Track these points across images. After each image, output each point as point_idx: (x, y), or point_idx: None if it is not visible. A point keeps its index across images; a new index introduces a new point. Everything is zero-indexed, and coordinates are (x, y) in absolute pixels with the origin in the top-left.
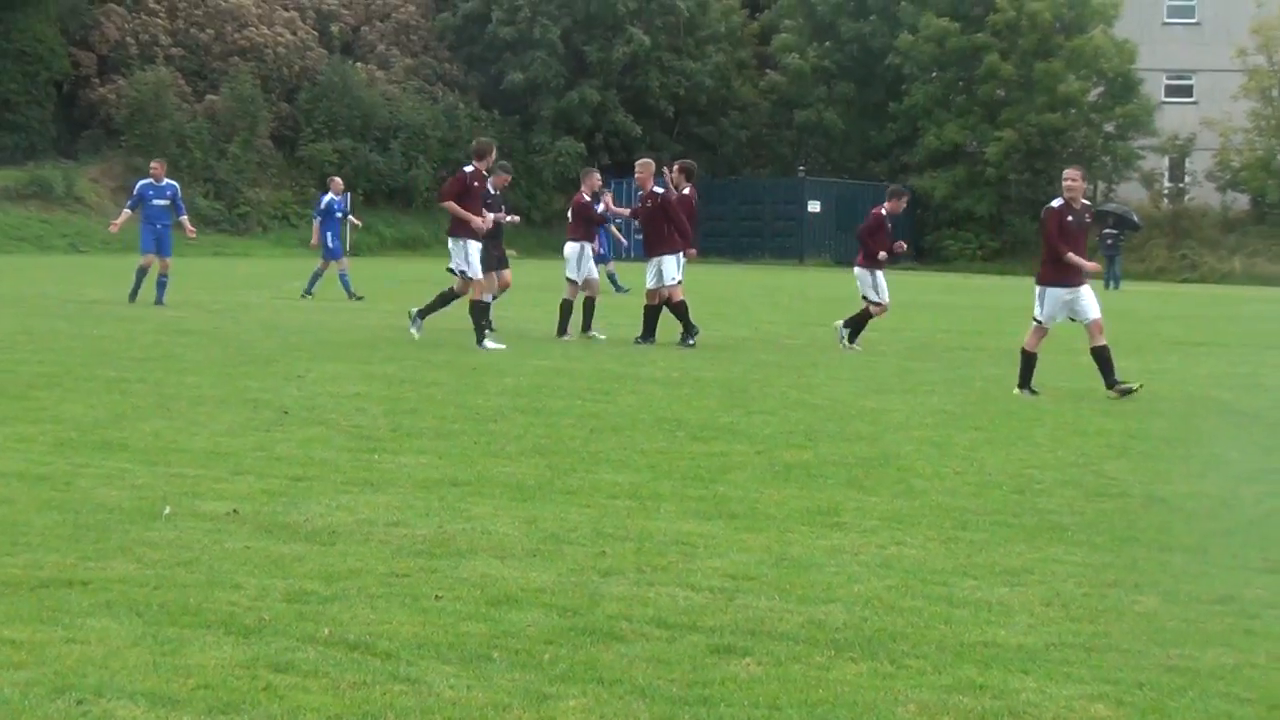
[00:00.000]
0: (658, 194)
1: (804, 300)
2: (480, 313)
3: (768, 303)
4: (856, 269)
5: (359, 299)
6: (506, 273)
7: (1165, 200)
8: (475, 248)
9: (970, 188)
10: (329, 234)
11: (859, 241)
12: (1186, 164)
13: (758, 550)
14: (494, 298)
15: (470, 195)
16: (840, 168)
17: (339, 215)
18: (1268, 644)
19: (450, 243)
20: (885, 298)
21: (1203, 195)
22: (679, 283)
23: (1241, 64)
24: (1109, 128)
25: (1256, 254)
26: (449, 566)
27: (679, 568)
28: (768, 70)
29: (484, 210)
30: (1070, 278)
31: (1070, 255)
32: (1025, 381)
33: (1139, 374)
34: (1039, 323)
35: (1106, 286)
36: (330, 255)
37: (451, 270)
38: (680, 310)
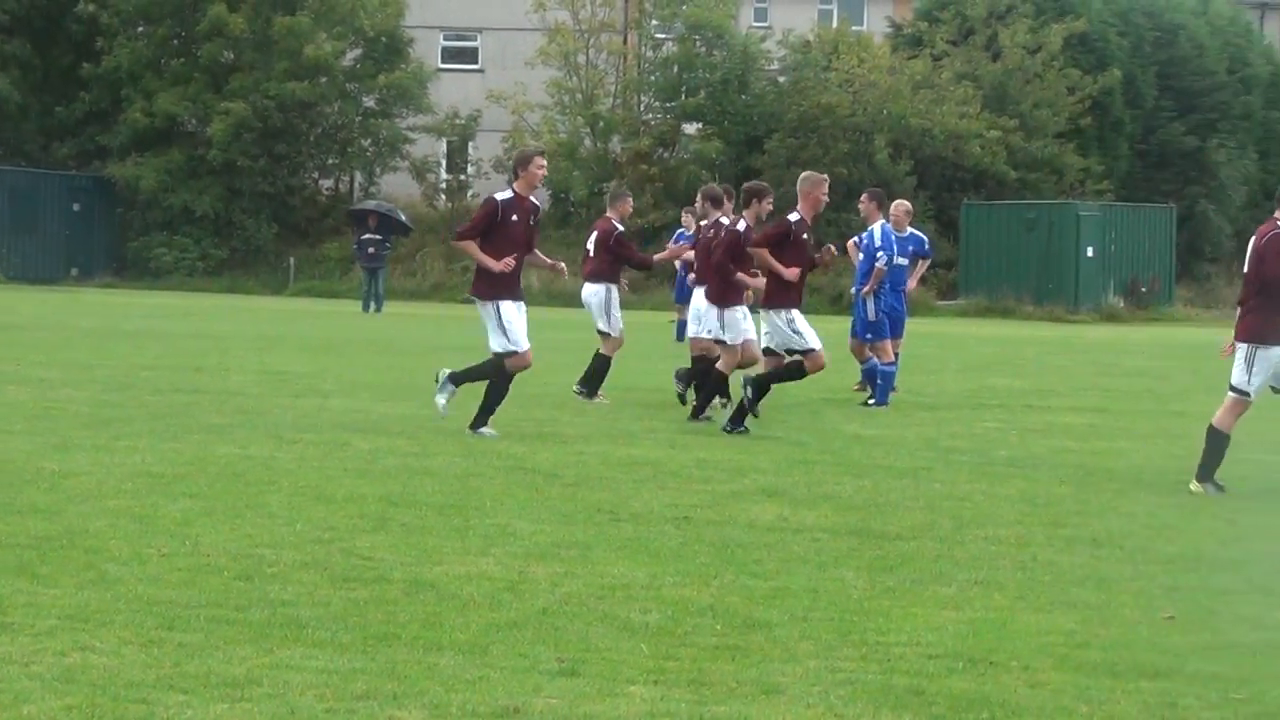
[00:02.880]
0: None
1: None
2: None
3: None
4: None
5: None
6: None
7: (442, 196)
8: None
9: (189, 178)
10: None
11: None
12: (470, 149)
13: None
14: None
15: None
16: (16, 150)
17: None
18: None
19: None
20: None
21: (491, 190)
22: None
23: (539, 21)
24: (370, 101)
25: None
26: None
27: None
28: None
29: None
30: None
31: (740, 276)
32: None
33: (405, 420)
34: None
35: (366, 309)
36: None
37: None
38: None
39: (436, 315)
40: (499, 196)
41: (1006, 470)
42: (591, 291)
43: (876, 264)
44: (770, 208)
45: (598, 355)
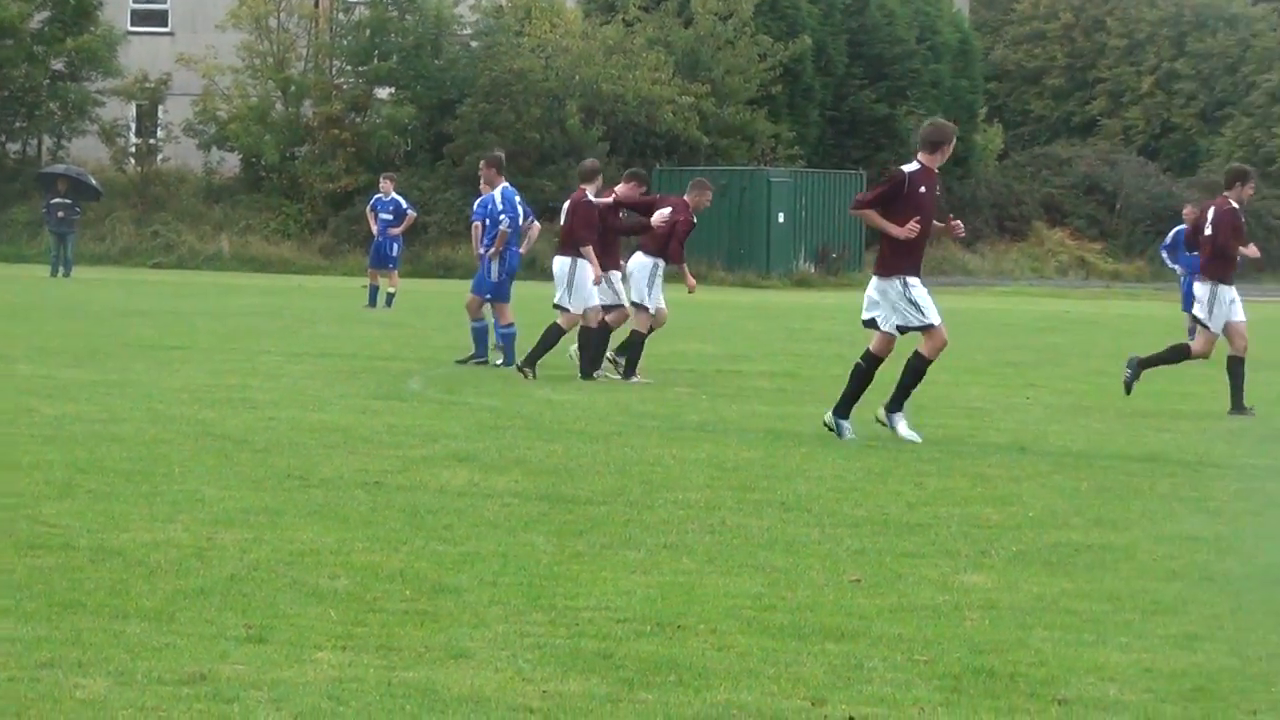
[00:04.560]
0: None
1: None
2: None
3: None
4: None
5: None
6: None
7: (132, 160)
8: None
9: None
10: None
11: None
12: (160, 113)
13: None
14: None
15: None
16: None
17: None
18: None
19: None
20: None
21: (181, 154)
22: None
23: None
24: (58, 65)
25: (250, 231)
26: None
27: None
28: None
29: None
30: None
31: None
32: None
33: (92, 386)
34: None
35: (55, 273)
36: None
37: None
38: None
39: (125, 280)
40: (906, 168)
41: (697, 435)
42: (638, 264)
43: (500, 227)
44: (1251, 192)
45: (633, 333)
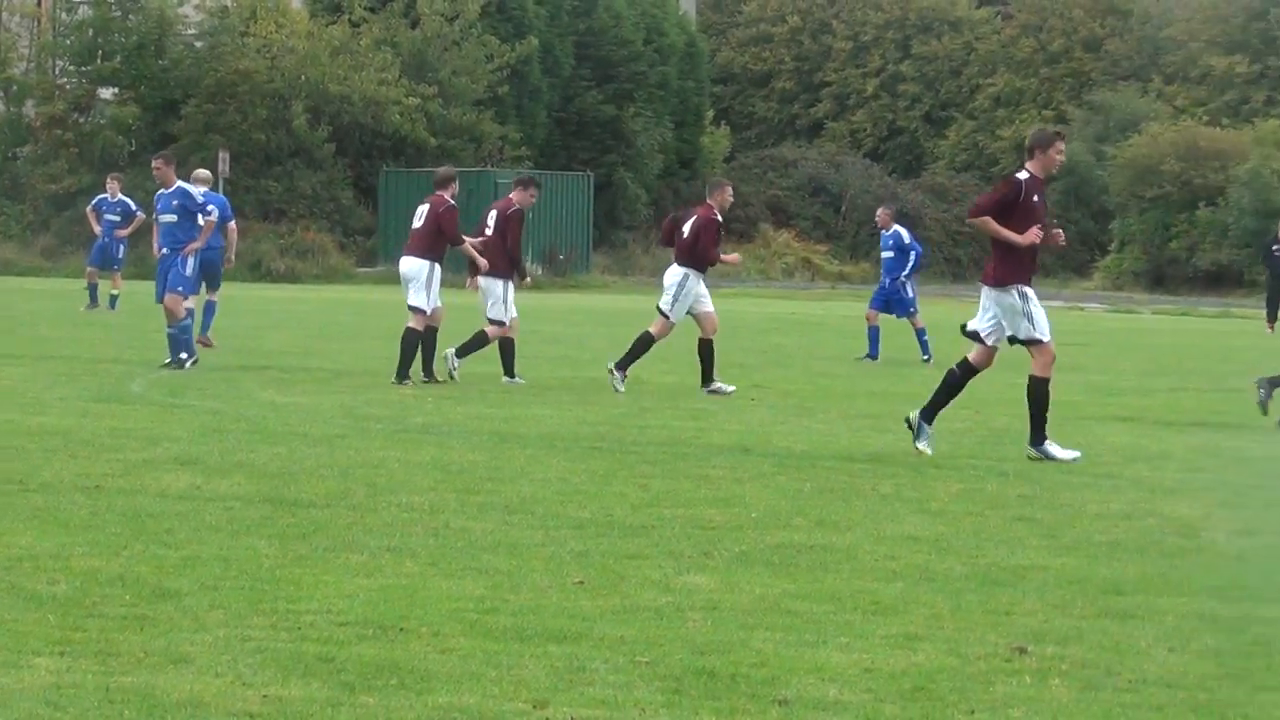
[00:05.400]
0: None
1: None
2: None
3: None
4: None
5: None
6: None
7: None
8: None
9: None
10: None
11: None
12: None
13: None
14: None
15: None
16: None
17: None
18: None
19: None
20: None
21: None
22: None
23: None
24: None
25: None
26: None
27: None
28: None
29: None
30: None
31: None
32: None
33: None
34: None
35: None
36: None
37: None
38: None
39: None
40: (1020, 176)
41: (422, 437)
42: (671, 274)
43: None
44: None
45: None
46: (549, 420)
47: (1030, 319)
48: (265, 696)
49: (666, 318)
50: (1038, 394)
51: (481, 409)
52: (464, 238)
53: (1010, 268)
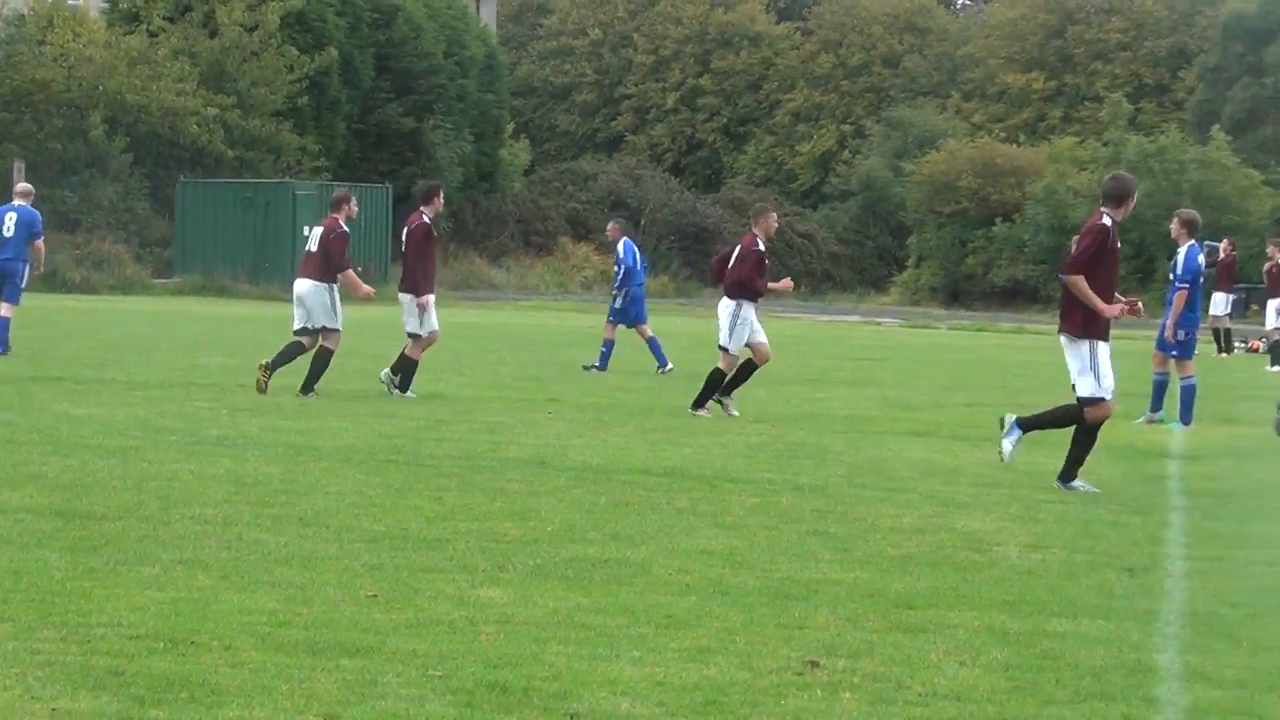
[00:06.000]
0: None
1: None
2: None
3: None
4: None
5: None
6: None
7: None
8: None
9: None
10: None
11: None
12: None
13: None
14: None
15: None
16: None
17: None
18: None
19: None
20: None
21: None
22: None
23: None
24: None
25: None
26: None
27: None
28: None
29: None
30: None
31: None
32: None
33: None
34: None
35: None
36: None
37: None
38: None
39: None
40: (1105, 221)
41: (216, 449)
42: (723, 306)
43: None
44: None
45: (715, 370)
46: (345, 433)
47: (1096, 375)
48: (54, 710)
49: (727, 351)
50: (1081, 433)
51: (277, 421)
52: (348, 266)
53: (1090, 321)
